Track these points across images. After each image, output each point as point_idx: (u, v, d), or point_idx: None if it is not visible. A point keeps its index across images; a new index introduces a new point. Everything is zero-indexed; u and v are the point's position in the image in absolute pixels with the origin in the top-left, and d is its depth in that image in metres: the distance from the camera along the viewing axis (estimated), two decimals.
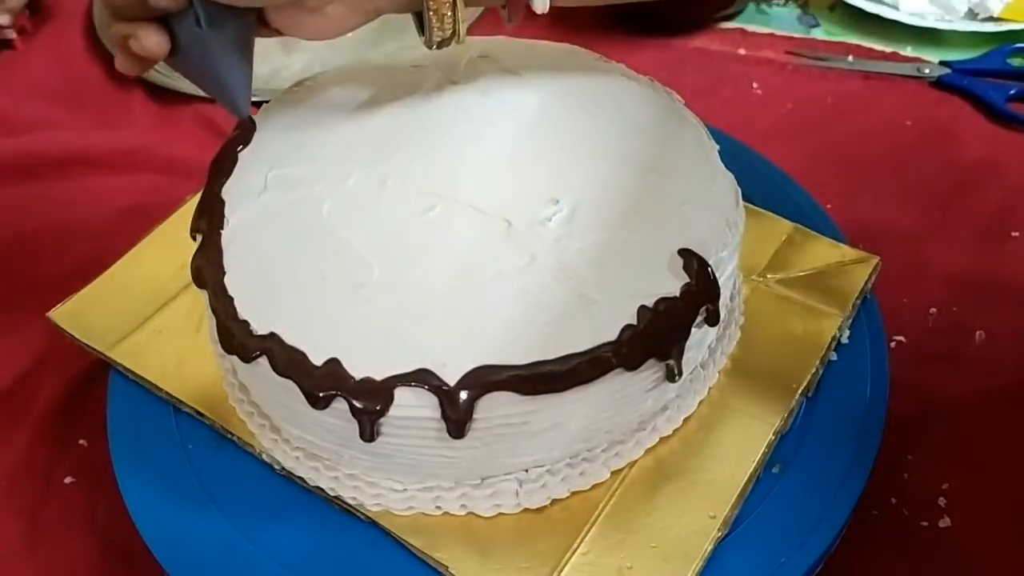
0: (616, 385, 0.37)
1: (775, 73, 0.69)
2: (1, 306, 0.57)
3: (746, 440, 0.41)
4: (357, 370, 0.36)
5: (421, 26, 0.40)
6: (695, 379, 0.42)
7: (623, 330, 0.36)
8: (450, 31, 0.39)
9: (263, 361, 0.37)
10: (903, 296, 0.52)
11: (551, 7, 0.39)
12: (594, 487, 0.40)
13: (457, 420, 0.35)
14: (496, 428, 0.37)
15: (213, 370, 0.45)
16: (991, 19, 0.68)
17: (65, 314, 0.48)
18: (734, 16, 0.74)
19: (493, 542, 0.39)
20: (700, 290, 0.38)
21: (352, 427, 0.36)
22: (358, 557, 0.39)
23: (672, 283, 0.38)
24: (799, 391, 0.42)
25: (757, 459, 0.40)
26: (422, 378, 0.35)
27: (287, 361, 0.36)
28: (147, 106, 0.69)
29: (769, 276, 0.47)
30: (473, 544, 0.39)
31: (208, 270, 0.40)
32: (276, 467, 0.42)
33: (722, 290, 0.39)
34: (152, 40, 0.38)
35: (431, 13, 0.38)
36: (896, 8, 0.70)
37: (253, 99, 0.57)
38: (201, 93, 0.67)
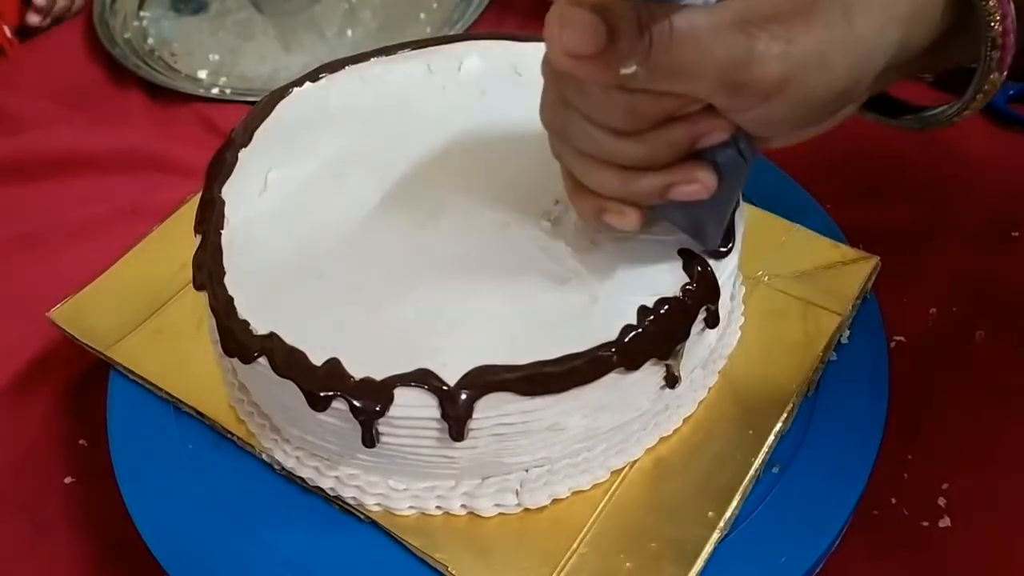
0: (616, 385, 0.37)
1: None
2: (1, 306, 0.57)
3: (746, 440, 0.41)
4: (357, 370, 0.36)
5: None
6: (695, 379, 0.42)
7: (623, 330, 0.36)
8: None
9: (263, 361, 0.37)
10: (903, 296, 0.52)
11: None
12: (594, 487, 0.40)
13: (457, 420, 0.35)
14: (496, 428, 0.37)
15: (213, 370, 0.45)
16: None
17: (65, 314, 0.48)
18: None
19: (493, 542, 0.39)
20: (700, 290, 0.38)
21: (352, 428, 0.36)
22: (358, 557, 0.39)
23: (672, 283, 0.38)
24: (799, 391, 0.42)
25: (757, 459, 0.40)
26: (422, 378, 0.35)
27: (287, 361, 0.36)
28: (147, 106, 0.70)
29: (769, 276, 0.47)
30: (473, 544, 0.39)
31: (208, 270, 0.40)
32: (276, 467, 0.42)
33: (722, 290, 0.39)
34: (711, 179, 0.33)
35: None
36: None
37: (250, 99, 0.56)
38: (201, 93, 0.69)
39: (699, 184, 0.33)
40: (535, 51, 0.48)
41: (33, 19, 0.74)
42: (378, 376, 0.36)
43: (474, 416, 0.36)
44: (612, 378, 0.36)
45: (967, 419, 0.48)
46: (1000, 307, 0.52)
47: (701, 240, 0.38)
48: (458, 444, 0.36)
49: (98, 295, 0.49)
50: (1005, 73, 0.34)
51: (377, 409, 0.35)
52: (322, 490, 0.40)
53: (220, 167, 0.43)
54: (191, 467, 0.42)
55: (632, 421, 0.40)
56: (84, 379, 0.52)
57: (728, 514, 0.38)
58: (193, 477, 0.42)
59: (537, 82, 0.46)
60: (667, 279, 0.38)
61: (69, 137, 0.65)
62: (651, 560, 0.37)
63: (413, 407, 0.36)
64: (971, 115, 0.36)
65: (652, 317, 0.37)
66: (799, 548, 0.39)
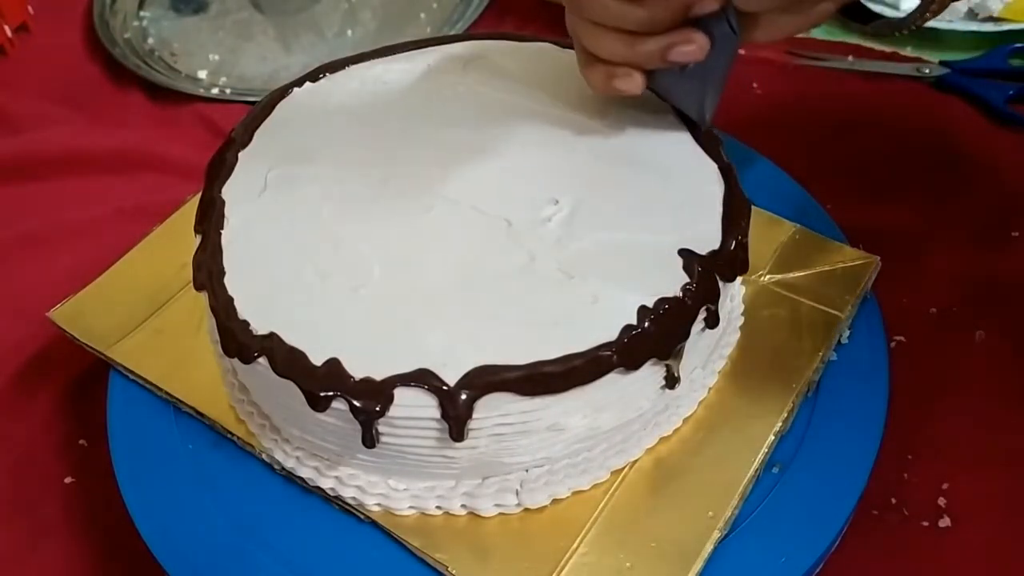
0: (616, 385, 0.37)
1: (775, 73, 0.69)
2: (1, 306, 0.57)
3: (746, 440, 0.41)
4: (357, 370, 0.36)
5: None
6: (695, 379, 0.42)
7: (623, 330, 0.36)
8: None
9: (263, 361, 0.37)
10: (903, 296, 0.52)
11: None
12: (594, 487, 0.40)
13: (457, 420, 0.35)
14: (496, 428, 0.37)
15: (213, 370, 0.45)
16: (991, 19, 0.68)
17: (65, 314, 0.48)
18: None
19: (493, 542, 0.39)
20: (700, 290, 0.38)
21: (352, 427, 0.36)
22: (358, 557, 0.39)
23: (672, 283, 0.38)
24: (799, 391, 0.42)
25: (757, 459, 0.40)
26: (422, 378, 0.35)
27: (287, 361, 0.36)
28: (147, 106, 0.70)
29: (769, 276, 0.47)
30: (473, 544, 0.39)
31: (208, 270, 0.40)
32: (276, 467, 0.42)
33: (722, 290, 0.39)
34: (704, 41, 0.38)
35: None
36: (896, 8, 0.69)
37: (250, 99, 0.55)
38: (201, 93, 0.69)
39: (695, 44, 0.38)
40: (535, 51, 0.48)
41: None
42: (378, 376, 0.36)
43: (474, 416, 0.36)
44: (612, 378, 0.36)
45: (967, 419, 0.48)
46: (1000, 307, 0.52)
47: (698, 116, 0.43)
48: (458, 444, 0.36)
49: (98, 295, 0.49)
50: None
51: (377, 409, 0.35)
52: (322, 490, 0.40)
53: (220, 167, 0.43)
54: (191, 467, 0.42)
55: (632, 421, 0.40)
56: (84, 379, 0.52)
57: (728, 514, 0.39)
58: (193, 477, 0.42)
59: (536, 83, 0.47)
60: (667, 279, 0.38)
61: (69, 137, 0.65)
62: (651, 560, 0.38)
63: (413, 407, 0.36)
64: (932, 18, 0.42)
65: (652, 317, 0.37)
66: (799, 548, 0.39)
